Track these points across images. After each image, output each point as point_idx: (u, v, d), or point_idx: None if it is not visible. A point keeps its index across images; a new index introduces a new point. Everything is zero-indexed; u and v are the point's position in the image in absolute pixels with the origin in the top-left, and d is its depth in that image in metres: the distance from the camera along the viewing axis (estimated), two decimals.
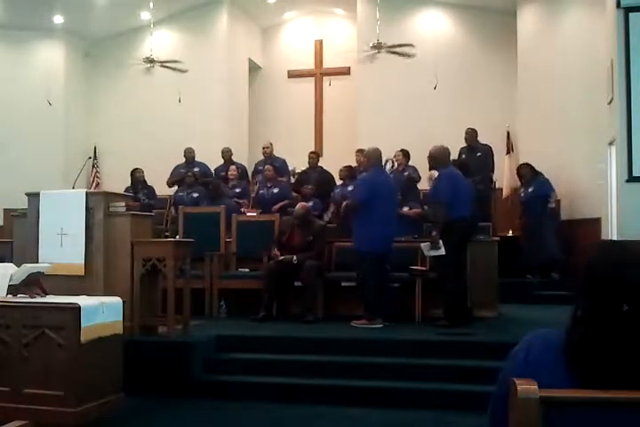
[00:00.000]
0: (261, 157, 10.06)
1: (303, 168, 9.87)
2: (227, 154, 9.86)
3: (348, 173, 8.42)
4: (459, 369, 4.98)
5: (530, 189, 8.94)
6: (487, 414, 1.54)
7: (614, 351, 1.35)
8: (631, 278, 1.39)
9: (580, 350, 1.38)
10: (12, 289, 4.59)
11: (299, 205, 7.19)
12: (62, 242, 5.18)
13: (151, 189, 9.56)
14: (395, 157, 8.94)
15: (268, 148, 9.74)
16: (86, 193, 5.33)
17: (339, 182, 9.07)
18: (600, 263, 1.44)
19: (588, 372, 1.36)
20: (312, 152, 9.91)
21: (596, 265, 1.45)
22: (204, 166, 9.77)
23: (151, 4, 10.39)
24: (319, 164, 9.63)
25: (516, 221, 9.51)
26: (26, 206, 5.48)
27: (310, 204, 8.56)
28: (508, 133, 10.74)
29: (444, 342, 5.39)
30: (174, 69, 10.20)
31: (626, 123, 6.68)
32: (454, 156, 8.83)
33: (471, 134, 9.35)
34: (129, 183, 9.50)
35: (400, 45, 9.74)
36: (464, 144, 9.37)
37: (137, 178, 9.46)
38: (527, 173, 9.02)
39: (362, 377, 5.03)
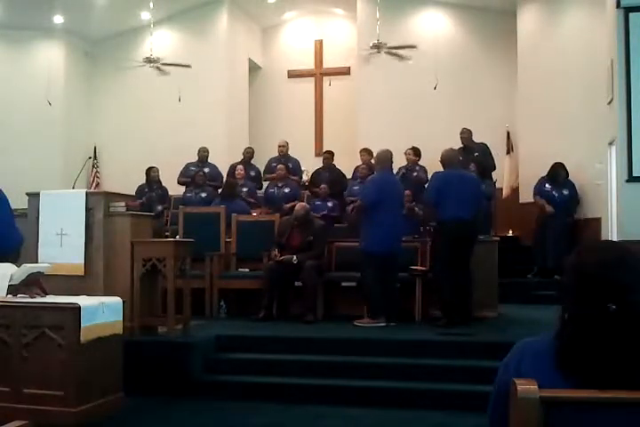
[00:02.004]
0: (261, 156, 10.05)
1: (306, 168, 9.89)
2: (247, 155, 9.82)
3: (369, 172, 8.34)
4: (459, 369, 4.98)
5: (565, 192, 8.88)
6: (486, 415, 1.54)
7: (602, 352, 1.35)
8: (617, 279, 1.39)
9: (569, 352, 1.38)
10: (12, 289, 4.59)
11: (298, 206, 7.18)
12: (62, 242, 5.18)
13: (165, 190, 9.57)
14: (406, 154, 8.94)
15: (283, 146, 9.71)
16: (86, 193, 5.33)
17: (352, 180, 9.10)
18: (586, 264, 1.44)
19: (578, 373, 1.36)
20: (327, 151, 9.90)
21: (582, 266, 1.45)
22: (214, 168, 9.75)
23: (151, 4, 10.39)
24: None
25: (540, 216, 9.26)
26: (26, 206, 5.48)
27: (329, 204, 8.58)
28: (508, 133, 10.74)
29: (444, 342, 5.39)
30: (171, 74, 10.20)
31: (626, 123, 6.68)
32: None
33: (467, 134, 9.22)
34: (127, 183, 9.46)
35: (401, 47, 9.75)
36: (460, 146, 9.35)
37: (152, 177, 9.46)
38: (562, 174, 8.92)
39: (362, 377, 5.03)
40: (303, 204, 7.41)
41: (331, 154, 9.73)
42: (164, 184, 9.66)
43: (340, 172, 9.48)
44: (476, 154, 9.14)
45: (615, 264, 1.41)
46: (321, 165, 9.71)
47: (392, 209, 6.26)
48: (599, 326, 1.37)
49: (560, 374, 1.38)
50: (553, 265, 8.63)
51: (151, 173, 9.47)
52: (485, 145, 9.30)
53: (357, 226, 6.71)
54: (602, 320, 1.37)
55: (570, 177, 8.97)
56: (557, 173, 8.92)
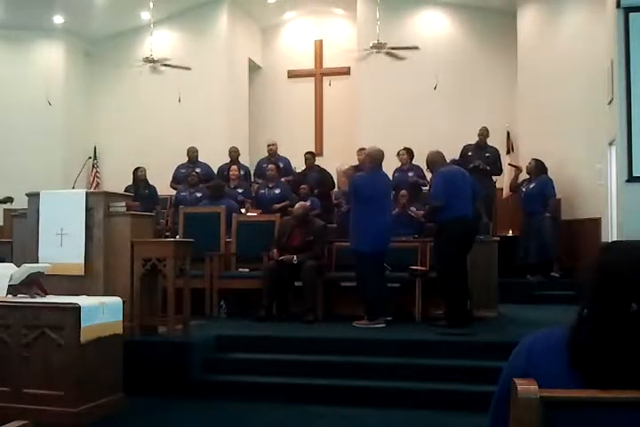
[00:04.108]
0: (262, 156, 10.04)
1: (303, 168, 9.88)
2: (234, 154, 9.81)
3: (355, 172, 8.36)
4: (459, 369, 4.98)
5: (531, 186, 8.92)
6: (488, 413, 1.54)
7: (619, 351, 1.35)
8: None
9: (585, 349, 1.37)
10: (12, 289, 4.59)
11: (298, 205, 7.18)
12: (62, 242, 5.18)
13: (153, 189, 9.56)
14: (399, 155, 8.94)
15: (273, 145, 9.69)
16: (86, 193, 5.33)
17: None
18: (611, 262, 1.44)
19: (593, 371, 1.36)
20: (308, 152, 9.84)
21: (607, 264, 1.44)
22: (205, 166, 9.74)
23: (151, 4, 10.39)
24: (317, 163, 9.61)
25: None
26: (26, 206, 5.48)
27: (308, 203, 8.56)
28: (508, 133, 10.74)
29: (444, 342, 5.38)
30: (171, 74, 10.20)
31: (626, 123, 6.68)
32: (457, 152, 8.94)
33: (485, 134, 9.39)
34: (127, 183, 9.48)
35: (402, 48, 9.74)
36: (465, 143, 9.38)
37: (138, 177, 9.45)
38: (532, 169, 8.96)
39: (362, 377, 5.03)
40: (303, 203, 7.39)
41: (312, 155, 9.70)
42: (162, 185, 9.66)
43: (326, 172, 9.44)
44: (488, 155, 9.20)
45: None
46: (320, 164, 9.70)
47: (379, 208, 6.19)
48: (619, 325, 1.36)
49: (570, 369, 1.38)
50: (534, 261, 8.66)
51: (138, 173, 9.47)
52: (497, 149, 9.41)
53: (344, 221, 6.69)
54: (622, 319, 1.36)
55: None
56: (529, 169, 9.02)
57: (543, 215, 8.63)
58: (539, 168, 8.93)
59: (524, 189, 9.01)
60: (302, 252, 6.68)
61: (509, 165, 9.20)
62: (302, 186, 8.76)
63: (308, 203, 8.53)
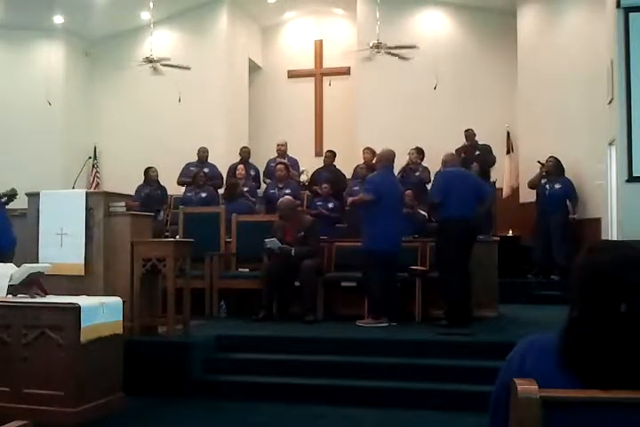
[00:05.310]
0: (261, 156, 10.03)
1: (305, 168, 9.88)
2: (245, 154, 9.81)
3: (368, 172, 8.34)
4: (459, 369, 4.98)
5: (556, 186, 8.86)
6: (488, 415, 1.54)
7: (611, 351, 1.35)
8: (632, 279, 1.39)
9: (577, 351, 1.38)
10: (12, 289, 4.59)
11: (284, 198, 7.14)
12: (62, 242, 5.18)
13: (164, 189, 9.57)
14: (409, 154, 8.95)
15: (283, 145, 9.68)
16: (86, 193, 5.33)
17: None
18: (599, 263, 1.44)
19: (585, 372, 1.36)
20: (328, 151, 9.88)
21: (595, 265, 1.44)
22: (213, 167, 9.74)
23: (151, 4, 10.39)
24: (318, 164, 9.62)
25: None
26: (26, 206, 5.48)
27: (330, 205, 8.55)
28: (508, 133, 10.75)
29: (444, 342, 5.38)
30: (171, 74, 10.21)
31: (626, 123, 6.68)
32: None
33: (471, 134, 9.41)
34: (127, 183, 9.45)
35: (401, 47, 9.75)
36: (465, 142, 9.39)
37: (151, 177, 9.47)
38: (553, 167, 8.90)
39: (362, 377, 5.03)
40: (287, 197, 7.34)
41: (332, 153, 9.72)
42: (163, 184, 9.66)
43: (340, 172, 9.47)
44: (478, 153, 9.21)
45: (629, 264, 1.41)
46: (321, 164, 9.71)
47: (391, 208, 6.25)
48: (609, 325, 1.37)
49: (565, 373, 1.38)
50: (552, 262, 8.64)
51: (149, 173, 9.48)
52: (489, 146, 9.39)
53: (355, 220, 6.70)
54: (612, 320, 1.37)
55: (568, 175, 8.98)
56: (549, 168, 8.96)
57: (563, 215, 8.63)
58: (558, 167, 8.90)
59: (547, 188, 8.92)
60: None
61: (538, 162, 9.11)
62: (324, 185, 8.72)
63: (330, 205, 8.52)
